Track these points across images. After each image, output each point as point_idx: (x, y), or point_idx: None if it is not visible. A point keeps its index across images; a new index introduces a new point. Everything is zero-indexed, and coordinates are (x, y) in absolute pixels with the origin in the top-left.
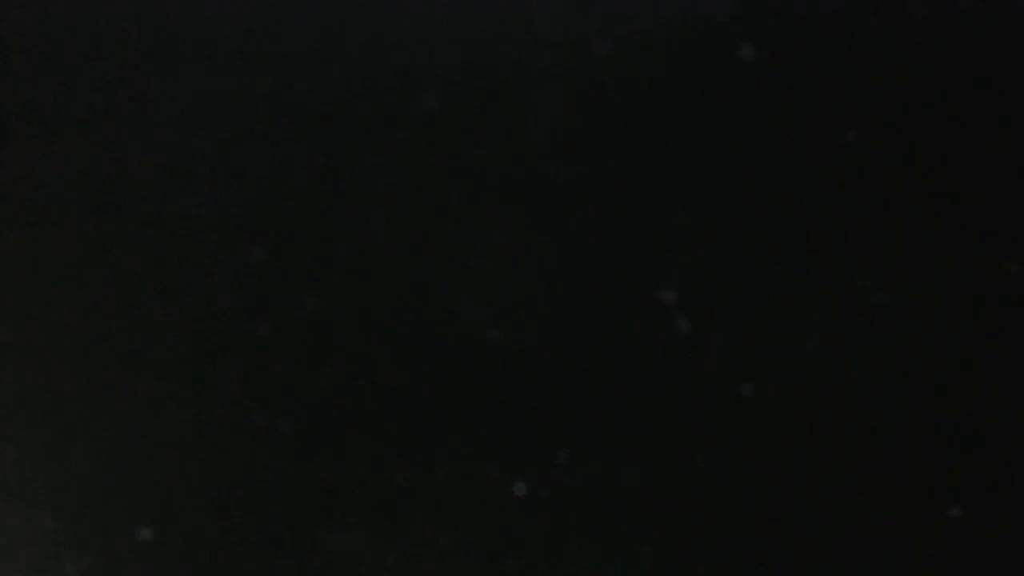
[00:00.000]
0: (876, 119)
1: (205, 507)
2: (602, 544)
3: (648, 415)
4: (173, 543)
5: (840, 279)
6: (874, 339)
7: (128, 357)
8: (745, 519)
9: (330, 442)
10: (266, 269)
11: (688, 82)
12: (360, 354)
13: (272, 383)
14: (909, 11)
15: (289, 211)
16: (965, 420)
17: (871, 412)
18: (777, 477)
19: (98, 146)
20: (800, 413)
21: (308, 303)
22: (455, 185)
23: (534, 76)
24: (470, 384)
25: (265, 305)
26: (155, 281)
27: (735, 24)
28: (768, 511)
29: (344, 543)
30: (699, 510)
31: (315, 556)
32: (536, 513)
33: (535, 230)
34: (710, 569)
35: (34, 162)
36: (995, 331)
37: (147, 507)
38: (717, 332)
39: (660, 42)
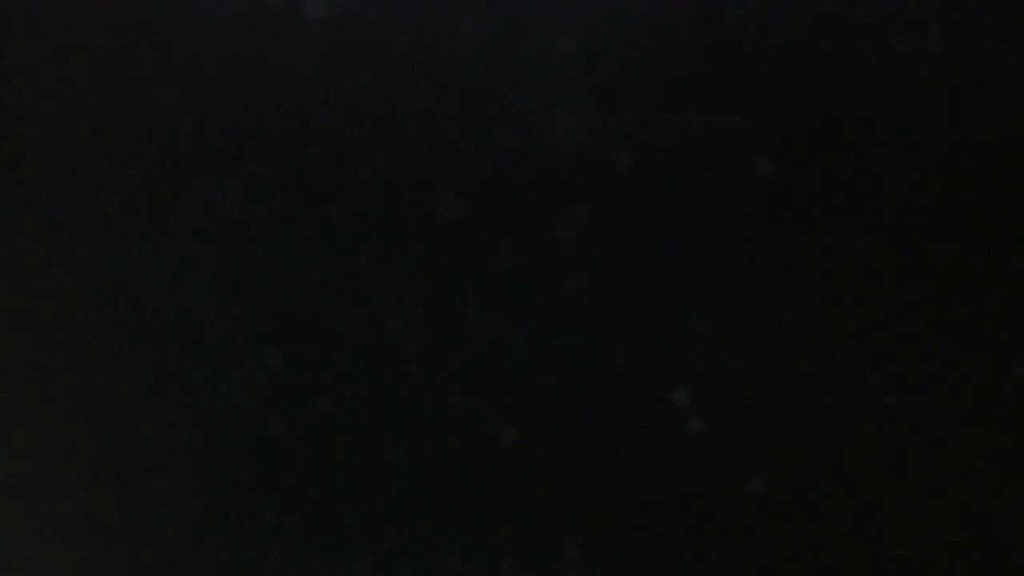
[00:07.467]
0: (888, 230)
1: None
2: None
3: (658, 511)
4: None
5: (850, 381)
6: (882, 439)
7: (143, 455)
8: None
9: (342, 541)
10: (281, 372)
11: (705, 194)
12: (374, 453)
13: (285, 482)
14: (921, 123)
15: (305, 315)
16: (975, 519)
17: (880, 511)
18: (787, 573)
19: (112, 245)
20: (809, 510)
21: (322, 405)
22: (472, 289)
23: (554, 187)
24: (484, 481)
25: (280, 406)
26: (171, 382)
27: (752, 138)
28: None
29: None
30: None
31: None
32: None
33: (550, 331)
34: None
35: (44, 266)
36: (1001, 431)
37: None
38: (728, 431)
39: (679, 154)
